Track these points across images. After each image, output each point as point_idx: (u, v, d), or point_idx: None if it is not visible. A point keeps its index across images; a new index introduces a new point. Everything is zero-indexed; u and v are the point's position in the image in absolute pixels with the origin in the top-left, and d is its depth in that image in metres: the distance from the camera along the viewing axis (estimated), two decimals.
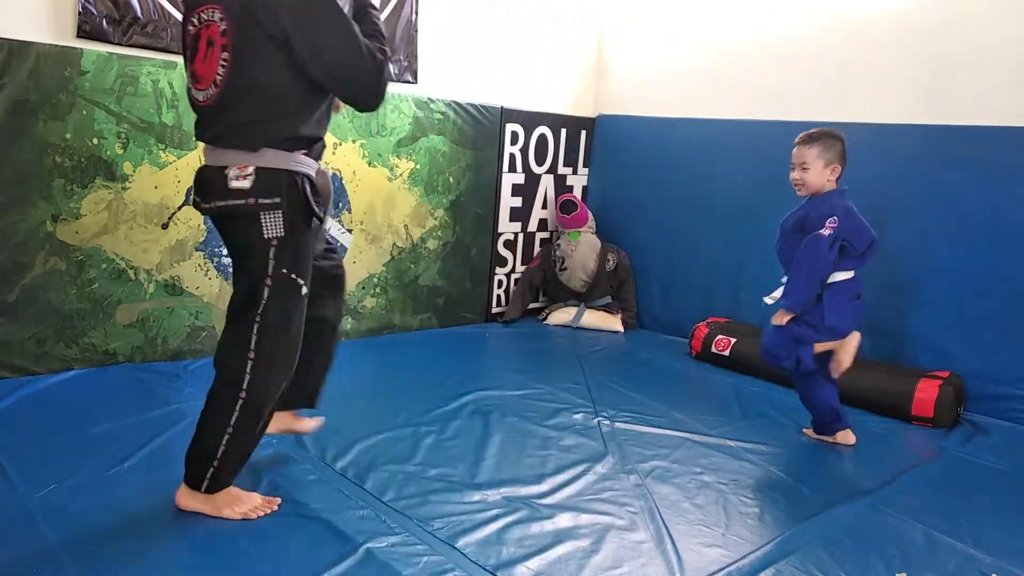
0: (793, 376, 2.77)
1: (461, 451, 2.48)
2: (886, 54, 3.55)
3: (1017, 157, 3.15)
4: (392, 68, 3.74)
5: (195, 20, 1.87)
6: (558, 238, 4.44)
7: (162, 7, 2.98)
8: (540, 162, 4.46)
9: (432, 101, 3.87)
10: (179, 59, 2.94)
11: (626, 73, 4.61)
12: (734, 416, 3.02)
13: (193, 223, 3.15)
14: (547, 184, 4.53)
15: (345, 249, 3.67)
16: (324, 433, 2.51)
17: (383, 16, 3.66)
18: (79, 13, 2.81)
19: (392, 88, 3.73)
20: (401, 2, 3.71)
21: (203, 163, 1.93)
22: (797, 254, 2.58)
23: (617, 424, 2.82)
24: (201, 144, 1.95)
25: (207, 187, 1.88)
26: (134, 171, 2.98)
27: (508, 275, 4.43)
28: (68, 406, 2.61)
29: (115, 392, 2.77)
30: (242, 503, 1.96)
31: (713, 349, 3.72)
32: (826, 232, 2.53)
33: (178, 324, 3.18)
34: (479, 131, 4.09)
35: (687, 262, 4.25)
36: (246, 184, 1.82)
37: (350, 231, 3.68)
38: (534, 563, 1.85)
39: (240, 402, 1.88)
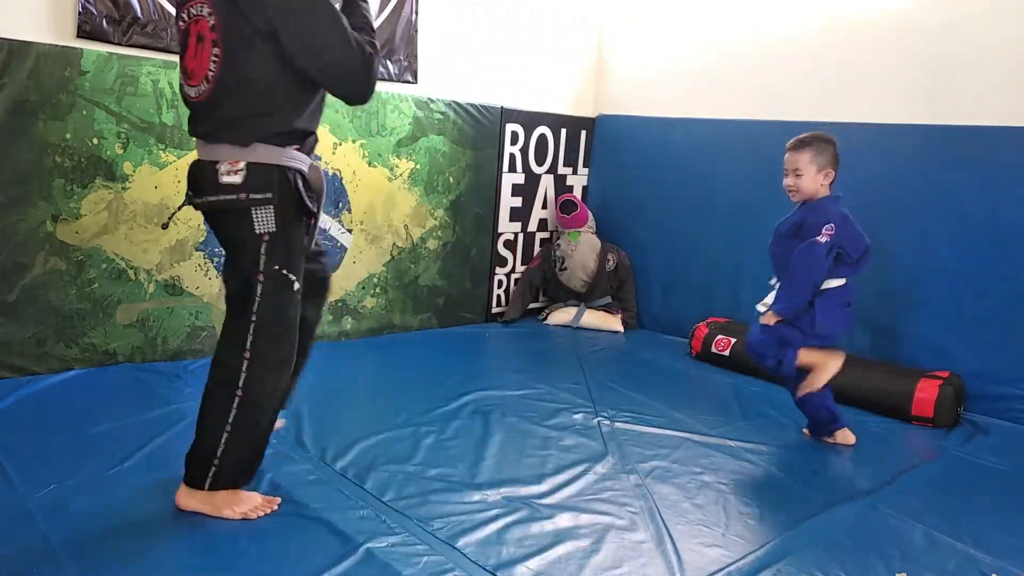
0: (785, 378, 2.77)
1: (461, 451, 2.48)
2: (886, 54, 3.55)
3: (1017, 157, 3.15)
4: (392, 68, 3.74)
5: (185, 15, 1.88)
6: (558, 238, 4.44)
7: (162, 7, 2.98)
8: (540, 162, 4.46)
9: (432, 101, 3.87)
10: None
11: (626, 73, 4.61)
12: (734, 416, 3.02)
13: (193, 223, 3.15)
14: (547, 184, 4.53)
15: (345, 249, 3.67)
16: (324, 433, 2.51)
17: (383, 16, 3.66)
18: (79, 13, 2.81)
19: (392, 88, 3.74)
20: (401, 2, 3.71)
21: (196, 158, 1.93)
22: (793, 259, 2.57)
23: (617, 424, 2.82)
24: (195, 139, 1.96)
25: (199, 182, 1.89)
26: (134, 171, 2.98)
27: (508, 275, 4.43)
28: (68, 406, 2.61)
29: (115, 392, 2.77)
30: (242, 503, 1.95)
31: (713, 349, 3.72)
32: (823, 239, 2.51)
33: (178, 324, 3.18)
34: (479, 131, 4.09)
35: (687, 262, 4.25)
36: (237, 179, 1.82)
37: (350, 231, 3.68)
38: (534, 563, 1.85)
39: (237, 400, 1.87)
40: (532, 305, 4.51)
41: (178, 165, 3.07)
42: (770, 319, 2.63)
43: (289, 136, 1.87)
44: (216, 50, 1.81)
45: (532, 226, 4.51)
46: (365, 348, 3.63)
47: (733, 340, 3.66)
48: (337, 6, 1.85)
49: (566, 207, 4.39)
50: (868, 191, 3.43)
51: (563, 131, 4.53)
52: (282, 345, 1.92)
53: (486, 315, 4.33)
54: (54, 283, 2.85)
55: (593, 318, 4.31)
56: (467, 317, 4.25)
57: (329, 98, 2.00)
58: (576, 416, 2.87)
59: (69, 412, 2.55)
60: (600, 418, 2.87)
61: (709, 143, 4.15)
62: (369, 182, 3.70)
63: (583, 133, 4.66)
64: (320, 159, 3.46)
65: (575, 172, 4.67)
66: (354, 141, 3.60)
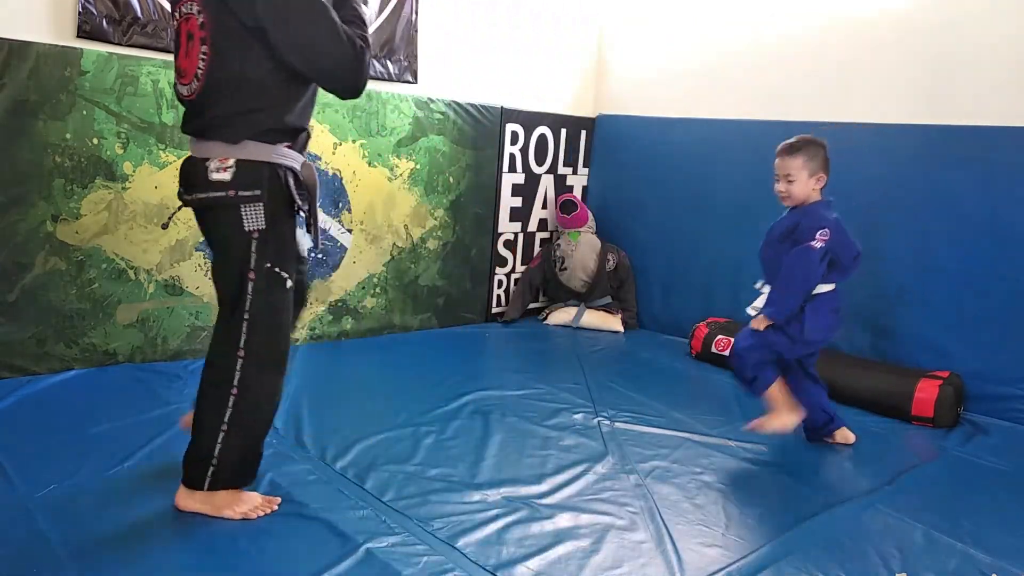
0: (748, 389, 2.73)
1: (461, 451, 2.48)
2: (886, 54, 3.55)
3: (1017, 157, 3.15)
4: (392, 68, 3.74)
5: (176, 15, 1.88)
6: (558, 238, 4.44)
7: (162, 7, 2.98)
8: (540, 162, 4.46)
9: (432, 101, 3.87)
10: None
11: (626, 73, 4.61)
12: (734, 416, 3.02)
13: (193, 223, 3.11)
14: (547, 184, 4.53)
15: (345, 249, 3.67)
16: (324, 433, 2.51)
17: (383, 16, 3.66)
18: (79, 13, 2.81)
19: (392, 88, 3.74)
20: (401, 2, 3.71)
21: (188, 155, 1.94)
22: (786, 263, 2.54)
23: (617, 424, 2.82)
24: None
25: (190, 179, 1.89)
26: (134, 171, 2.98)
27: (508, 275, 4.43)
28: (68, 406, 2.61)
29: (115, 392, 2.77)
30: (242, 503, 1.95)
31: (713, 349, 3.72)
32: (818, 244, 2.49)
33: (178, 324, 3.18)
34: (479, 131, 4.09)
35: (687, 262, 4.25)
36: (226, 176, 1.82)
37: (350, 231, 3.68)
38: (534, 563, 1.85)
39: (232, 399, 1.87)
40: (532, 305, 4.51)
41: (178, 165, 3.04)
42: (760, 323, 2.61)
43: (280, 133, 1.87)
44: (205, 48, 1.81)
45: (532, 226, 4.51)
46: (365, 348, 3.63)
47: (733, 340, 3.66)
48: (327, 1, 1.84)
49: (566, 207, 4.39)
50: (868, 191, 3.43)
51: (563, 131, 4.53)
52: (276, 342, 1.92)
53: (486, 315, 4.33)
54: (54, 283, 2.85)
55: (593, 318, 4.31)
56: (467, 317, 4.25)
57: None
58: (576, 416, 2.87)
59: (69, 412, 2.55)
60: (600, 418, 2.87)
61: (709, 143, 4.15)
62: (369, 182, 3.70)
63: (583, 133, 4.66)
64: (319, 158, 3.46)
65: (575, 172, 4.67)
66: (354, 141, 3.60)
